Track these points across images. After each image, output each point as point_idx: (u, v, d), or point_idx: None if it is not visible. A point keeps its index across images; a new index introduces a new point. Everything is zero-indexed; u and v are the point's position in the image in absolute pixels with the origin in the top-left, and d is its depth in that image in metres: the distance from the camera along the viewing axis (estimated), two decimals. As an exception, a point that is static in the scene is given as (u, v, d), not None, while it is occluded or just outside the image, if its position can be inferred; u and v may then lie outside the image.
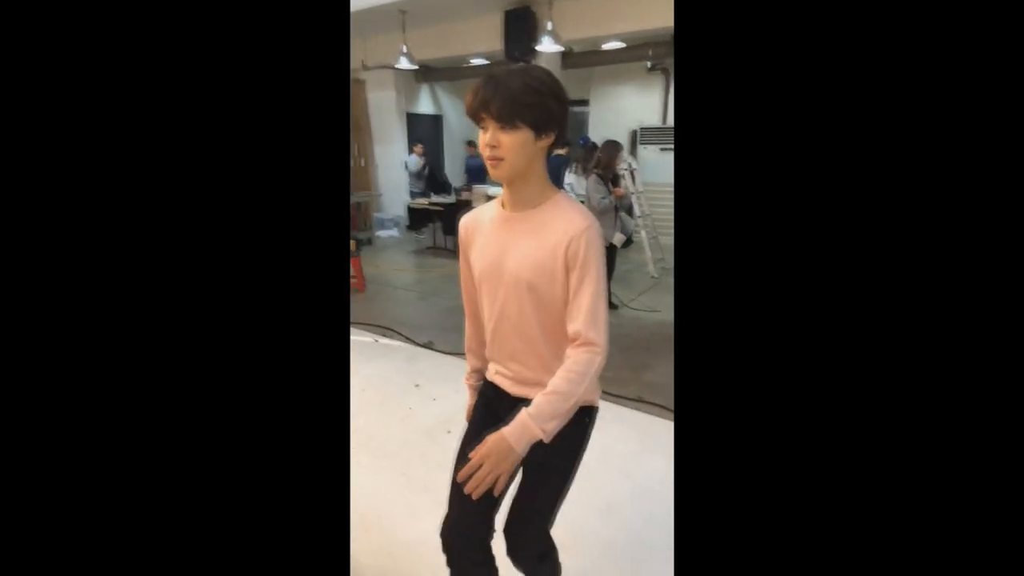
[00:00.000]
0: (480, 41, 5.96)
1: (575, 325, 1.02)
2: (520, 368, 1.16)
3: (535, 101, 0.95)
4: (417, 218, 6.89)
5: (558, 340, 1.08)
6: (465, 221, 1.19)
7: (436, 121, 8.57)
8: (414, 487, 2.02)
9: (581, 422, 1.15)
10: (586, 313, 1.00)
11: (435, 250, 6.58)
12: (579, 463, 1.19)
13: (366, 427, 2.45)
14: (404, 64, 5.75)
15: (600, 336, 1.01)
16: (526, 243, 1.06)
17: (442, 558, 1.66)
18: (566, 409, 1.00)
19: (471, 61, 6.91)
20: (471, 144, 7.44)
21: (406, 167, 7.45)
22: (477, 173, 6.98)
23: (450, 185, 7.04)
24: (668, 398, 2.59)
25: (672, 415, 2.45)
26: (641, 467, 2.11)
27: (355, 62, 6.97)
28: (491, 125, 0.96)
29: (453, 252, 6.22)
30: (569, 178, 5.68)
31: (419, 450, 2.28)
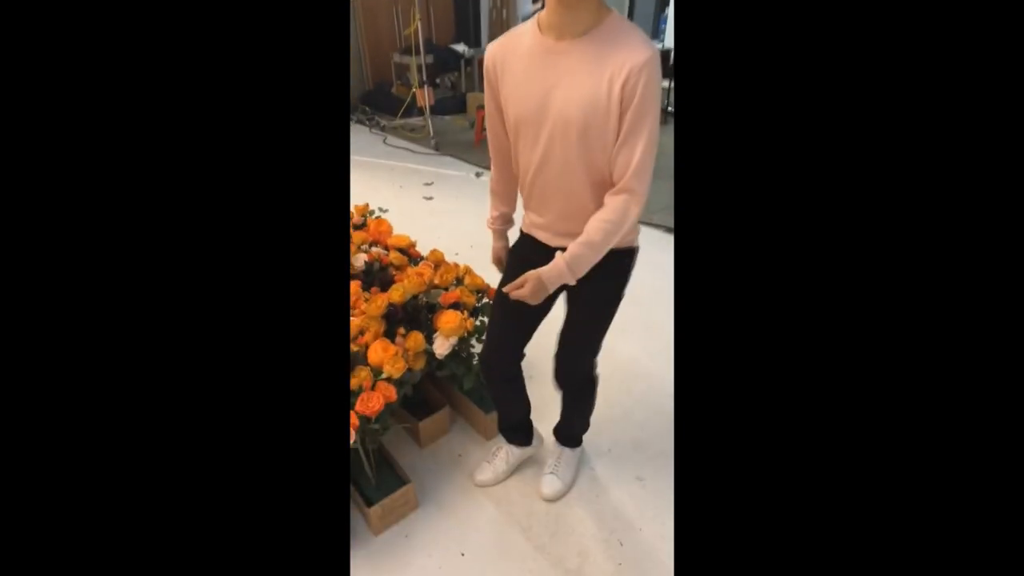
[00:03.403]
0: None
1: (621, 173, 0.94)
2: (562, 221, 1.07)
3: None
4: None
5: (605, 188, 0.99)
6: (493, 53, 1.01)
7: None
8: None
9: (623, 263, 1.13)
10: (635, 165, 0.92)
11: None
12: (620, 301, 1.19)
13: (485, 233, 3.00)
14: None
15: (642, 185, 0.95)
16: (575, 78, 0.91)
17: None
18: (598, 259, 1.00)
19: None
20: None
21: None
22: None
23: None
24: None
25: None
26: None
27: None
28: None
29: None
30: None
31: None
